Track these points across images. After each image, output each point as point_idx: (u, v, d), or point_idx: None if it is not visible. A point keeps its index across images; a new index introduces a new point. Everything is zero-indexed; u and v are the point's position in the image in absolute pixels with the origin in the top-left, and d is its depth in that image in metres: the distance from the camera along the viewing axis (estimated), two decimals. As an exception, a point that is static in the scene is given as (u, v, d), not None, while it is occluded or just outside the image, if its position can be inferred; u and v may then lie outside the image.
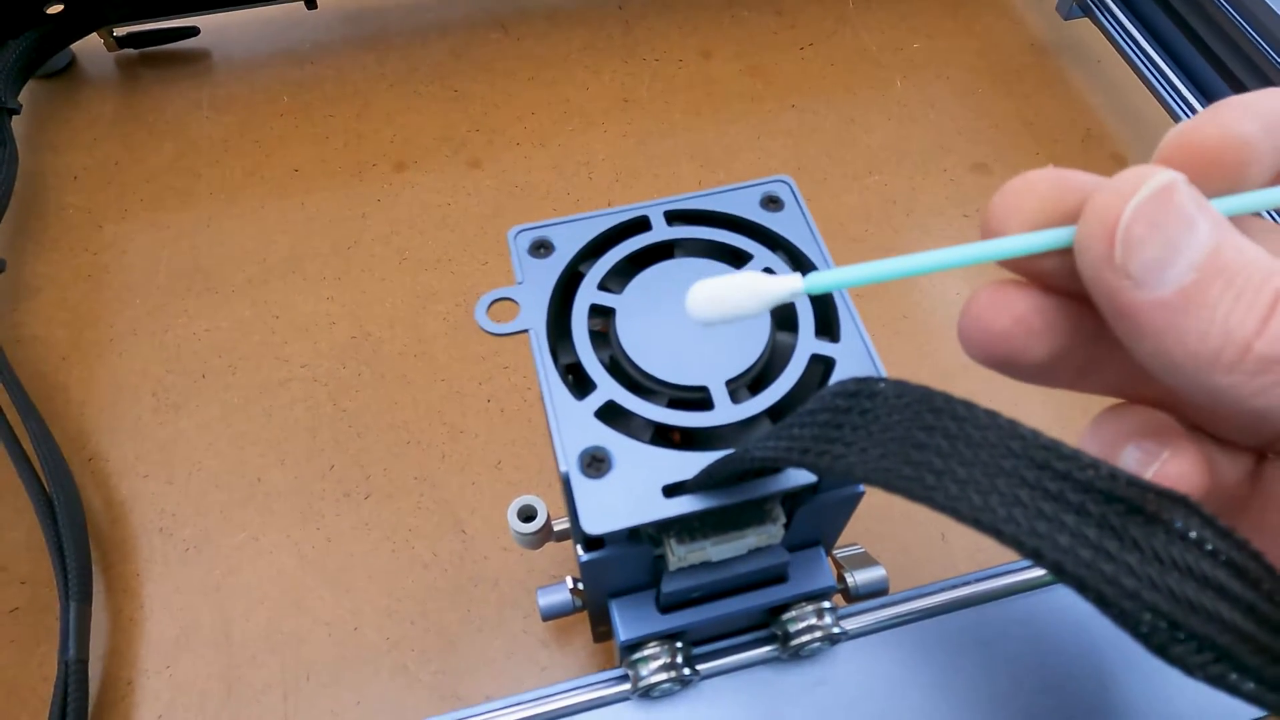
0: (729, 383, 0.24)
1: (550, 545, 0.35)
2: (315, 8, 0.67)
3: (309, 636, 0.43)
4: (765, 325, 0.25)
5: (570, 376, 0.25)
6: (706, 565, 0.25)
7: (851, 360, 0.24)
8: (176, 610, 0.44)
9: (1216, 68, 0.57)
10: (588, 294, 0.25)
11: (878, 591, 0.32)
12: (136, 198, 0.60)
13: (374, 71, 0.67)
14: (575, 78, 0.67)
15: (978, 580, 0.32)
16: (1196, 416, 0.17)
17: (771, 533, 0.24)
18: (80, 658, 0.40)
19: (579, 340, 0.25)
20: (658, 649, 0.28)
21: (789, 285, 0.16)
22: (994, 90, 0.67)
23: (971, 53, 0.69)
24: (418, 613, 0.44)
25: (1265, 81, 0.53)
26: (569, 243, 0.27)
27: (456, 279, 0.56)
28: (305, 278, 0.56)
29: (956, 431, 0.15)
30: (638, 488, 0.22)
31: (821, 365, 0.25)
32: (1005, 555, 0.32)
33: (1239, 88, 0.55)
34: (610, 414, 0.24)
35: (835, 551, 0.33)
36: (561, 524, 0.33)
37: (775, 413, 0.24)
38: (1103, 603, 0.13)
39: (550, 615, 0.33)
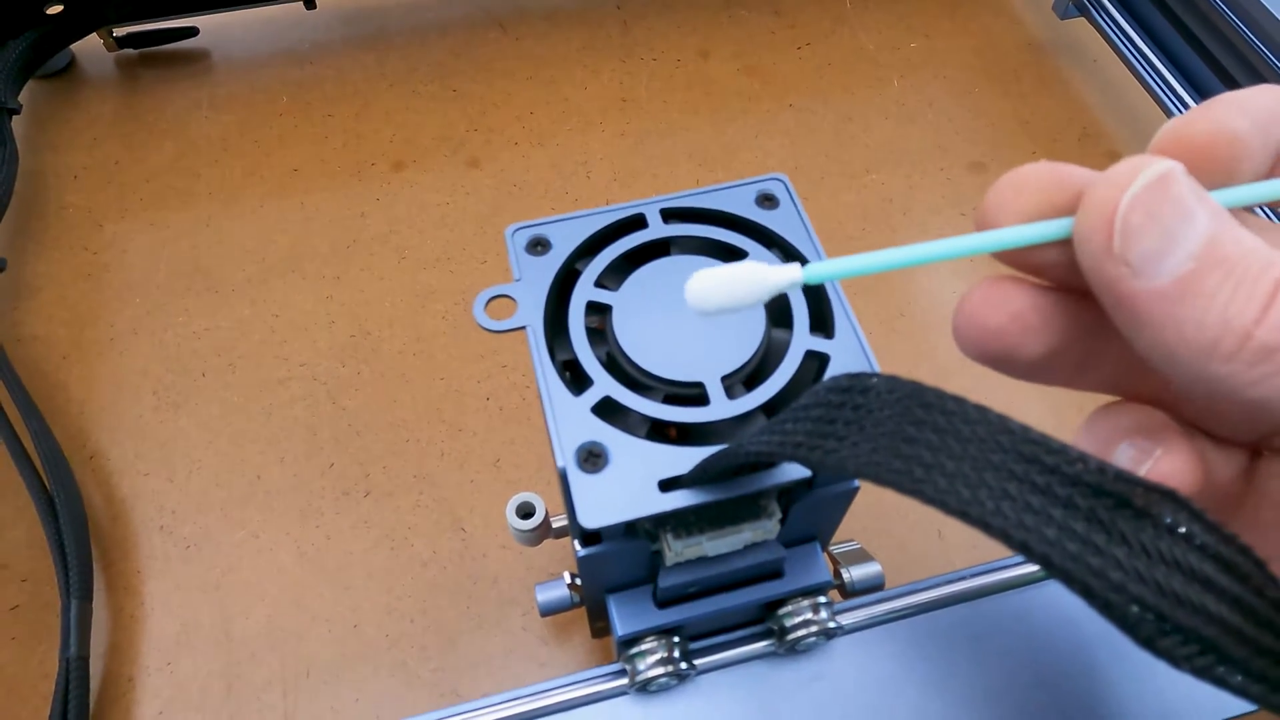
0: (724, 379, 0.24)
1: (549, 543, 0.36)
2: (314, 7, 0.67)
3: (309, 634, 0.44)
4: (760, 321, 0.25)
5: (567, 373, 0.25)
6: (703, 560, 0.25)
7: (846, 356, 0.25)
8: (177, 607, 0.45)
9: (1212, 66, 0.57)
10: (584, 291, 0.26)
11: (873, 587, 0.32)
12: (136, 197, 0.60)
13: (373, 71, 0.68)
14: (574, 77, 0.67)
15: (973, 576, 0.32)
16: (1191, 413, 0.17)
17: (767, 528, 0.25)
18: (81, 655, 0.40)
19: (576, 337, 0.25)
20: (655, 644, 0.29)
21: (788, 275, 0.16)
22: (991, 89, 0.67)
23: (968, 52, 0.69)
24: (417, 610, 0.44)
25: (1260, 79, 0.53)
26: (566, 240, 0.27)
27: (455, 278, 0.56)
28: (304, 277, 0.56)
29: (946, 426, 0.15)
30: (634, 482, 0.22)
31: (816, 361, 0.25)
32: (1001, 552, 0.32)
33: (1234, 86, 0.56)
34: (607, 410, 0.24)
35: (831, 547, 0.33)
36: (560, 521, 0.34)
37: (770, 408, 0.24)
38: (1089, 595, 0.13)
39: (548, 611, 0.33)
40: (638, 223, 0.27)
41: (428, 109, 0.65)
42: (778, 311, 0.26)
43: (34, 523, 0.45)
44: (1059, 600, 0.32)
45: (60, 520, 0.43)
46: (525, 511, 0.32)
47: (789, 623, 0.29)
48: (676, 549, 0.24)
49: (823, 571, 0.29)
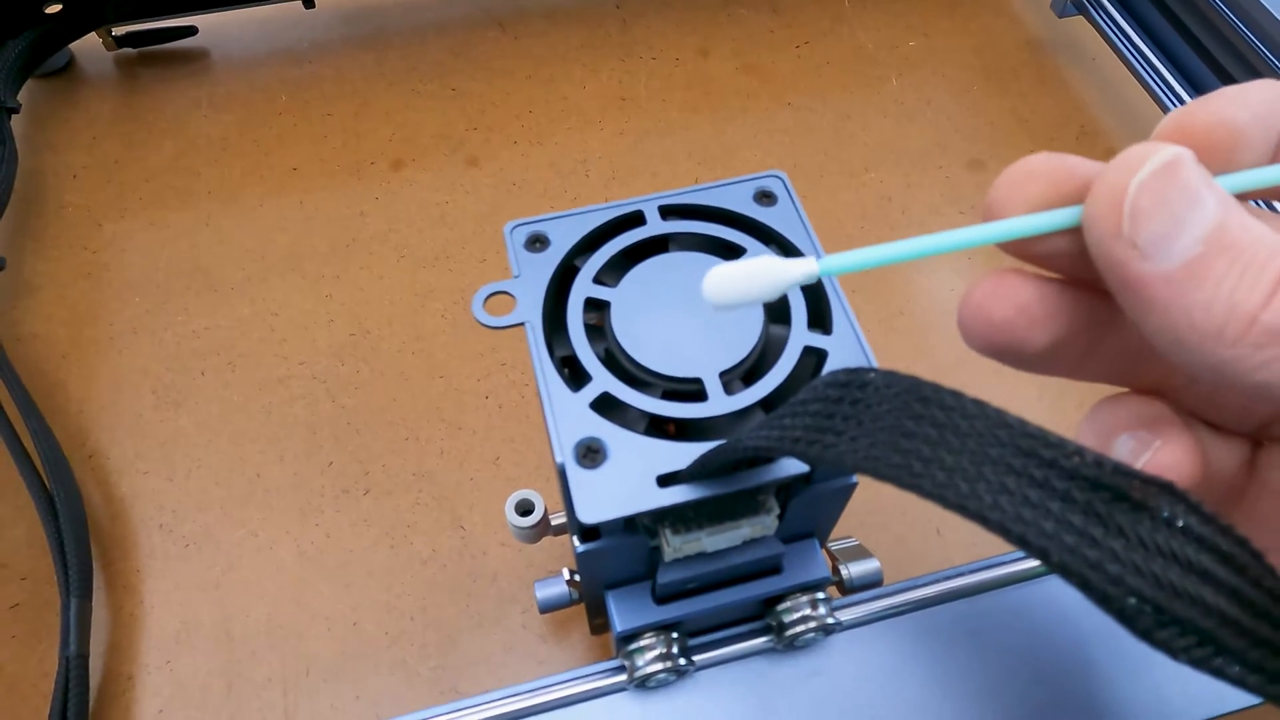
0: (723, 374, 0.24)
1: (548, 540, 0.36)
2: (313, 7, 0.67)
3: (308, 632, 0.44)
4: (758, 318, 0.25)
5: (566, 369, 0.25)
6: (701, 556, 0.25)
7: (844, 352, 0.25)
8: (177, 606, 0.45)
9: (1209, 64, 0.57)
10: (583, 288, 0.26)
11: (872, 583, 0.32)
12: (136, 196, 0.60)
13: (372, 70, 0.68)
14: (573, 76, 0.67)
15: (971, 572, 0.32)
16: (1193, 402, 0.17)
17: (766, 523, 0.25)
18: (81, 653, 0.40)
19: (574, 333, 0.25)
20: (654, 640, 0.29)
21: (804, 268, 0.16)
22: (989, 88, 0.67)
23: (967, 50, 0.69)
24: (417, 608, 0.44)
25: (1257, 77, 0.53)
26: (564, 237, 0.27)
27: (454, 276, 0.56)
28: (304, 276, 0.56)
29: (944, 420, 0.15)
30: (633, 478, 0.23)
31: (814, 357, 0.25)
32: (1000, 547, 0.32)
33: (1231, 83, 0.56)
34: (605, 405, 0.24)
35: (830, 544, 0.33)
36: (559, 518, 0.34)
37: (768, 404, 0.24)
38: (1087, 588, 0.13)
39: (547, 607, 0.33)
40: (636, 219, 0.27)
41: (427, 108, 0.65)
42: (776, 307, 0.26)
43: (34, 521, 0.45)
44: (1057, 595, 0.32)
45: (60, 519, 0.43)
46: (524, 509, 0.32)
47: (788, 619, 0.29)
48: (675, 544, 0.24)
49: (821, 567, 0.29)
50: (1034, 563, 0.32)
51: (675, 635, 0.29)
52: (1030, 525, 0.14)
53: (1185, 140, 0.14)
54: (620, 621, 0.28)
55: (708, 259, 0.26)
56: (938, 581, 0.32)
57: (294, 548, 0.46)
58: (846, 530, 0.35)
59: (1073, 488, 0.14)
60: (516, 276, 0.26)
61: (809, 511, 0.27)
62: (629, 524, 0.25)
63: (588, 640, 0.44)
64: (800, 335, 0.25)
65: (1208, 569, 0.13)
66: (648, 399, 0.24)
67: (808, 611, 0.29)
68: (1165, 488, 0.14)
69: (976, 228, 0.15)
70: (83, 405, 0.51)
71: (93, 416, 0.51)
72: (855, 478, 0.26)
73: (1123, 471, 0.14)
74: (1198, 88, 0.58)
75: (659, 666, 0.28)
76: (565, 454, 0.23)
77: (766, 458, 0.23)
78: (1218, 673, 0.13)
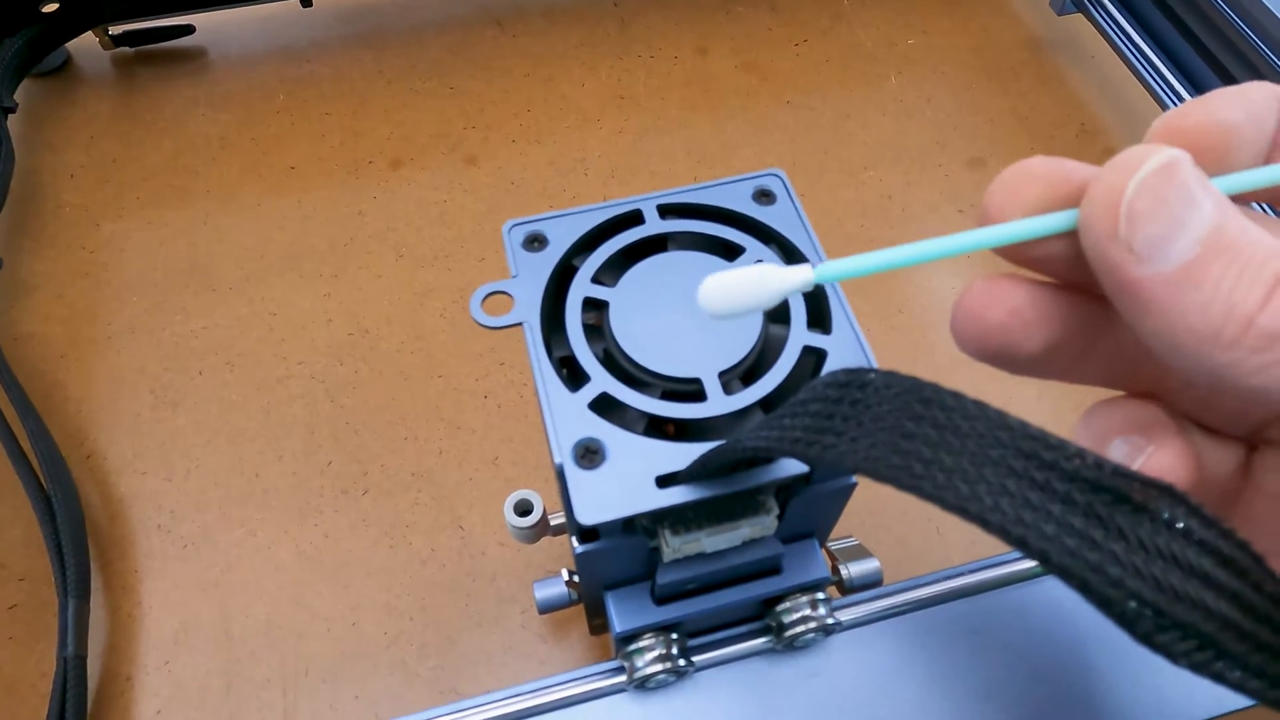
0: (722, 374, 0.24)
1: (547, 540, 0.35)
2: (310, 5, 0.67)
3: (308, 632, 0.44)
4: (758, 317, 0.25)
5: (564, 369, 0.25)
6: (701, 556, 0.25)
7: (843, 352, 0.25)
8: (175, 606, 0.44)
9: (1209, 63, 0.57)
10: (581, 287, 0.26)
11: (872, 583, 0.32)
12: (133, 195, 0.60)
13: (371, 69, 0.67)
14: (571, 74, 0.67)
15: (971, 571, 0.32)
16: (1188, 405, 0.17)
17: (765, 524, 0.24)
18: (79, 654, 0.40)
19: (573, 333, 0.25)
20: (653, 641, 0.29)
21: (800, 276, 0.16)
22: (989, 86, 0.67)
23: (966, 49, 0.69)
24: (416, 608, 0.44)
25: (1257, 76, 0.53)
26: (563, 236, 0.27)
27: (453, 275, 0.56)
28: (302, 275, 0.56)
29: (944, 421, 0.15)
30: (632, 479, 0.22)
31: (813, 357, 0.25)
32: (999, 548, 0.32)
33: (1231, 82, 0.55)
34: (604, 406, 0.24)
35: (830, 544, 0.33)
36: (558, 518, 0.34)
37: (767, 404, 0.24)
38: (1086, 590, 0.13)
39: (546, 608, 0.33)
40: (635, 219, 0.27)
41: (425, 106, 0.65)
42: (775, 307, 0.26)
43: (31, 522, 0.45)
44: (1056, 596, 0.32)
45: (58, 519, 0.43)
46: (523, 509, 0.32)
47: (787, 619, 0.29)
48: (674, 545, 0.24)
49: (821, 568, 0.29)
50: (1033, 563, 0.32)
51: (675, 636, 0.29)
52: (1030, 528, 0.14)
53: (1179, 141, 0.14)
54: (620, 622, 0.28)
55: (707, 258, 0.26)
56: (937, 581, 0.32)
57: (293, 548, 0.46)
58: (846, 529, 0.35)
59: (1073, 490, 0.14)
60: (515, 276, 0.26)
61: (809, 512, 0.27)
62: (628, 525, 0.24)
63: (587, 640, 0.44)
64: (800, 335, 0.25)
65: (1208, 572, 0.13)
66: (646, 399, 0.24)
67: (807, 612, 0.29)
68: (1166, 490, 0.13)
69: (973, 233, 0.15)
70: (80, 405, 0.51)
71: (90, 416, 0.51)
72: (855, 478, 0.26)
73: (1123, 474, 0.14)
74: (1197, 86, 0.58)
75: (659, 667, 0.28)
76: (564, 455, 0.23)
77: (766, 458, 0.23)
78: (1218, 677, 0.13)
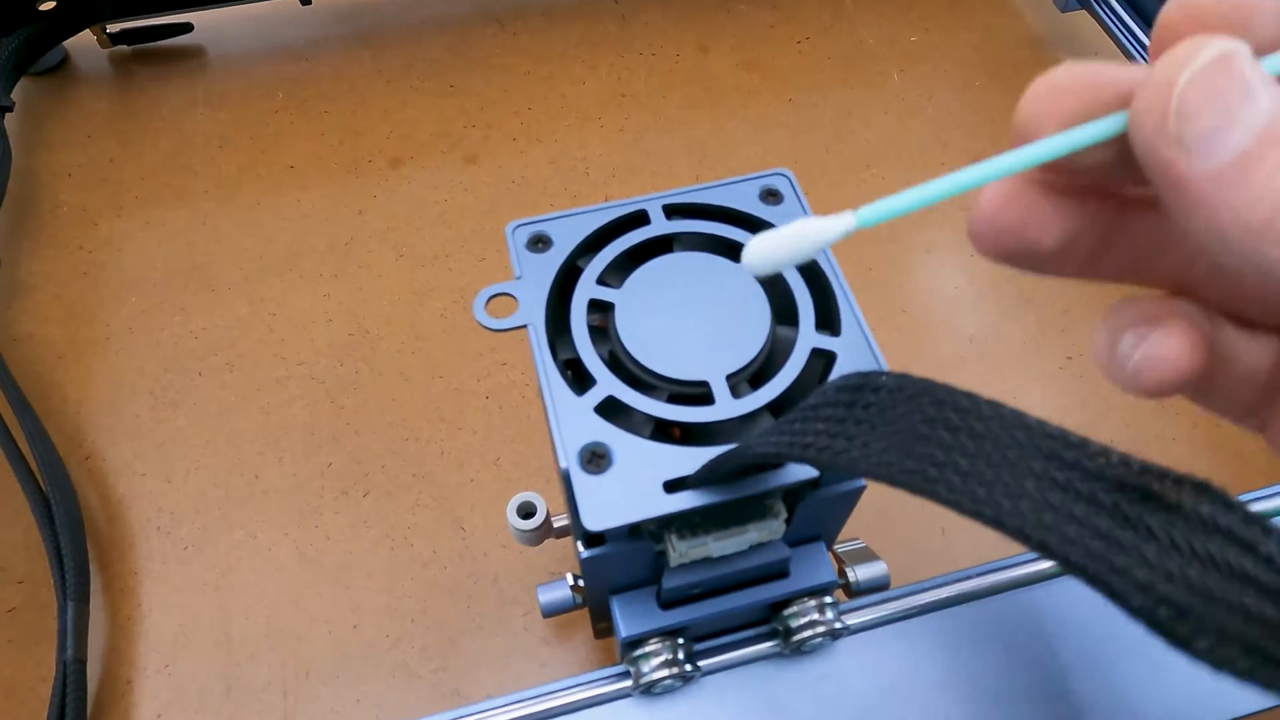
0: (729, 377, 0.24)
1: (550, 542, 0.35)
2: (309, 3, 0.67)
3: (308, 634, 0.43)
4: (765, 319, 0.24)
5: (570, 372, 0.25)
6: (708, 561, 0.25)
7: (852, 354, 0.24)
8: (175, 609, 0.44)
9: (1215, 60, 0.57)
10: (586, 289, 0.25)
11: (879, 586, 0.32)
12: (132, 195, 0.60)
13: (370, 67, 0.67)
14: (572, 73, 0.67)
15: (979, 574, 0.32)
16: (1219, 298, 0.17)
17: (773, 528, 0.24)
18: (78, 657, 0.40)
19: (578, 335, 0.25)
20: (659, 645, 0.28)
21: (842, 224, 0.16)
22: (991, 84, 0.66)
23: (969, 46, 0.69)
24: (417, 610, 0.44)
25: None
26: (567, 237, 0.26)
27: (454, 275, 0.56)
28: (302, 275, 0.56)
29: (959, 424, 0.15)
30: (638, 483, 0.22)
31: (822, 359, 0.25)
32: (1007, 549, 0.31)
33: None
34: (610, 409, 0.23)
35: (836, 547, 0.33)
36: (561, 521, 0.33)
37: (776, 407, 0.24)
38: (1114, 595, 0.13)
39: (551, 612, 0.33)
40: (640, 219, 0.27)
41: (425, 105, 0.65)
42: (783, 309, 0.25)
43: (30, 525, 0.44)
44: (1066, 598, 0.31)
45: (56, 522, 0.43)
46: (526, 511, 0.32)
47: (794, 623, 0.29)
48: (681, 550, 0.24)
49: (828, 571, 0.29)
50: (1045, 564, 0.32)
51: (681, 641, 0.29)
52: (1052, 531, 0.13)
53: (1195, 21, 0.14)
54: (625, 627, 0.28)
55: (713, 259, 0.26)
56: (945, 584, 0.32)
57: (293, 549, 0.46)
58: (853, 532, 0.34)
59: (1098, 490, 0.13)
60: (518, 278, 0.26)
61: (816, 515, 0.26)
62: (634, 530, 0.24)
63: (590, 643, 0.43)
64: (808, 337, 0.25)
65: (1249, 572, 0.12)
66: (653, 402, 0.23)
67: (815, 616, 0.29)
68: (1200, 487, 0.13)
69: (1012, 154, 0.15)
70: (79, 406, 0.51)
71: (89, 418, 0.50)
72: (863, 481, 0.26)
73: (1152, 471, 0.13)
74: (1202, 83, 0.57)
75: (665, 673, 0.28)
76: (570, 459, 0.22)
77: (775, 463, 0.23)
78: (1268, 685, 0.12)
